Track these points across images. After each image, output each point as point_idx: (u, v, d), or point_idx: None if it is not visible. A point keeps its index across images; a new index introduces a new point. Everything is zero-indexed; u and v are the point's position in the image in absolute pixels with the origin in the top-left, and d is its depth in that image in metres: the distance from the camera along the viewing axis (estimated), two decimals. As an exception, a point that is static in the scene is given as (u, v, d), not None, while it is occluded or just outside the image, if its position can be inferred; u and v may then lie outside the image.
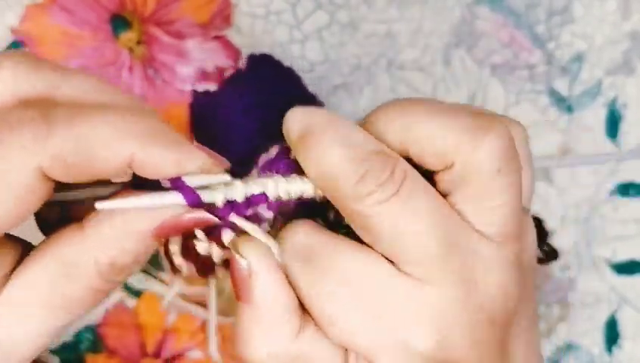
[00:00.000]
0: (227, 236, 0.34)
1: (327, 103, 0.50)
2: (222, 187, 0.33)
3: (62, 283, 0.31)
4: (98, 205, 0.31)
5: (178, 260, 0.37)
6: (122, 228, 0.31)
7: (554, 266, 0.51)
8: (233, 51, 0.50)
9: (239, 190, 0.33)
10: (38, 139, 0.29)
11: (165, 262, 0.38)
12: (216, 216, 0.33)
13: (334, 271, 0.32)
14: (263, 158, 0.36)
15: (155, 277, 0.50)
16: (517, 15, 0.51)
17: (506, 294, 0.32)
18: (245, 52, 0.50)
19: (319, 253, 0.32)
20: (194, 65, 0.50)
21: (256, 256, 0.33)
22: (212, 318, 0.33)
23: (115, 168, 0.30)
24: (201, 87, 0.50)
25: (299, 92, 0.50)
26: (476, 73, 0.51)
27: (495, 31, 0.51)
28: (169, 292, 0.49)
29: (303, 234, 0.33)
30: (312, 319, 0.33)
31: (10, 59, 0.31)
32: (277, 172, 0.34)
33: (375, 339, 0.32)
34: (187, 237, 0.36)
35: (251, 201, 0.33)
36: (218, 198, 0.32)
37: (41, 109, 0.30)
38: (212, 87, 0.50)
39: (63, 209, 0.34)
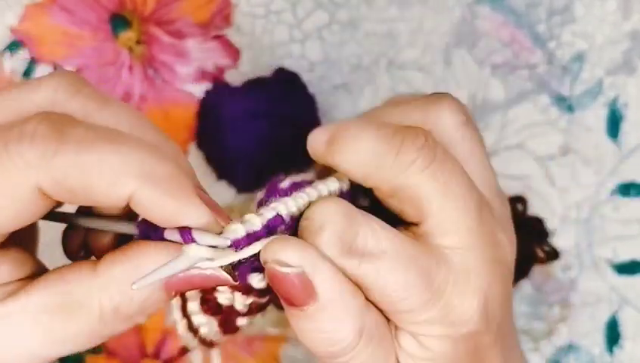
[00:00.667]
0: (255, 279, 0.32)
1: (327, 103, 0.50)
2: (239, 224, 0.31)
3: (60, 317, 0.30)
4: (134, 286, 0.29)
5: (198, 319, 0.35)
6: (134, 275, 0.30)
7: (555, 266, 0.51)
8: (233, 50, 0.50)
9: (256, 221, 0.31)
10: (44, 158, 0.28)
11: (180, 323, 0.36)
12: (233, 273, 0.31)
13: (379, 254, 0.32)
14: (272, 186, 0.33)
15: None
16: (517, 15, 0.51)
17: (513, 245, 0.36)
18: (245, 52, 0.50)
19: (364, 239, 0.31)
20: (194, 65, 0.50)
21: (304, 257, 0.31)
22: None
23: (113, 203, 0.29)
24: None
25: (311, 120, 0.49)
26: (477, 73, 0.51)
27: (496, 31, 0.51)
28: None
29: (341, 216, 0.31)
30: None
31: (52, 80, 0.31)
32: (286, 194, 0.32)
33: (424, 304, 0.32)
34: (207, 291, 0.34)
35: (269, 226, 0.31)
36: (239, 232, 0.31)
37: (57, 125, 0.29)
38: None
39: (86, 235, 0.33)
